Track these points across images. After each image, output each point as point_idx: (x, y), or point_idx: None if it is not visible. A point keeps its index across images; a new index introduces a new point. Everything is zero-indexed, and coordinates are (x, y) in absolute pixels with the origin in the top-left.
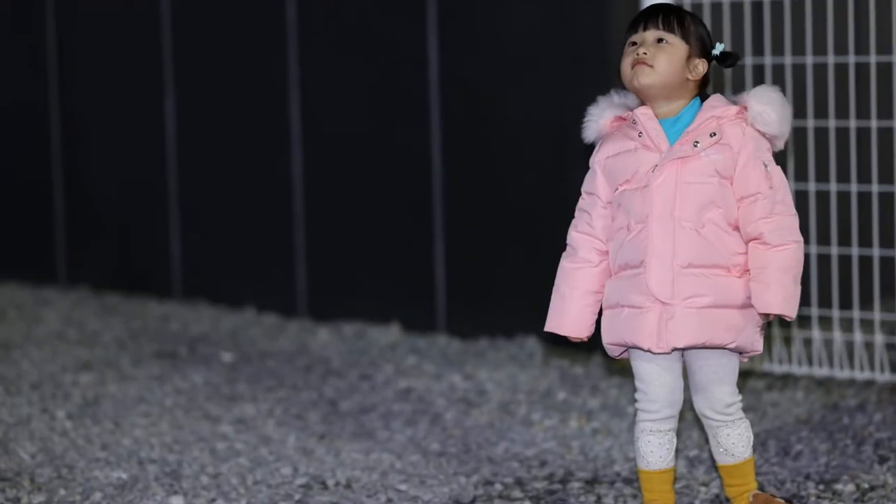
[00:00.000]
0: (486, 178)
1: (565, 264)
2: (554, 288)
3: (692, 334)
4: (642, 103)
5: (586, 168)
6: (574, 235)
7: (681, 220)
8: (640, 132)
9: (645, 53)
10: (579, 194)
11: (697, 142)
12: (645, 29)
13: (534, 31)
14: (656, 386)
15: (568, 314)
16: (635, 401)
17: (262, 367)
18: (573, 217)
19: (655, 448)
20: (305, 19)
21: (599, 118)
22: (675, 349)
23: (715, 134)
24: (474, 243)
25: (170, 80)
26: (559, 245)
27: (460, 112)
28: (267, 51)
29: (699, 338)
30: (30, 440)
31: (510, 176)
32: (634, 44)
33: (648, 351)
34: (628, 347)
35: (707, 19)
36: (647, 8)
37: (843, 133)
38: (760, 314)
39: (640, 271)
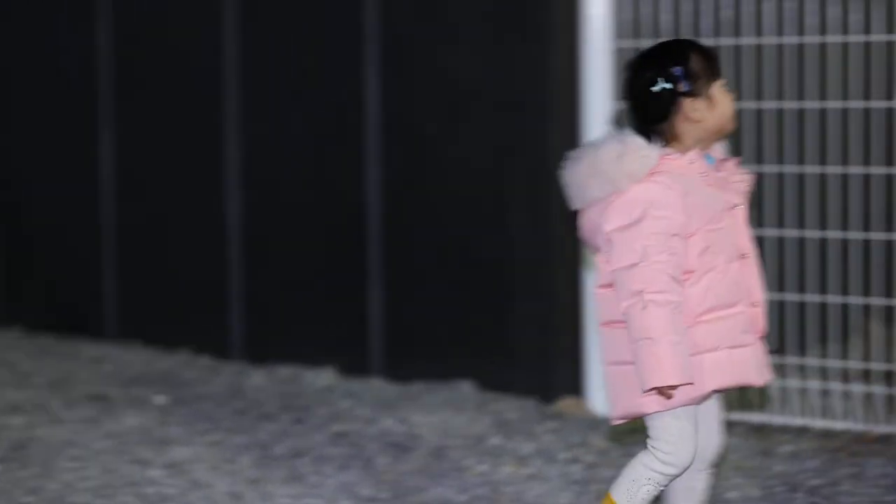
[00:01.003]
0: (423, 222)
1: (678, 314)
2: (670, 342)
3: (768, 366)
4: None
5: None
6: (673, 284)
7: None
8: (704, 172)
9: None
10: (517, 239)
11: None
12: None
13: (474, 74)
14: (688, 447)
15: (686, 362)
16: (653, 450)
17: (196, 409)
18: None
19: (650, 498)
20: (246, 61)
21: (655, 158)
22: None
23: None
24: (411, 288)
25: (107, 121)
26: (496, 290)
27: (399, 155)
28: (206, 92)
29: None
30: None
31: (447, 220)
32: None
33: (754, 386)
34: (723, 390)
35: None
36: (711, 49)
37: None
38: None
39: (739, 310)
